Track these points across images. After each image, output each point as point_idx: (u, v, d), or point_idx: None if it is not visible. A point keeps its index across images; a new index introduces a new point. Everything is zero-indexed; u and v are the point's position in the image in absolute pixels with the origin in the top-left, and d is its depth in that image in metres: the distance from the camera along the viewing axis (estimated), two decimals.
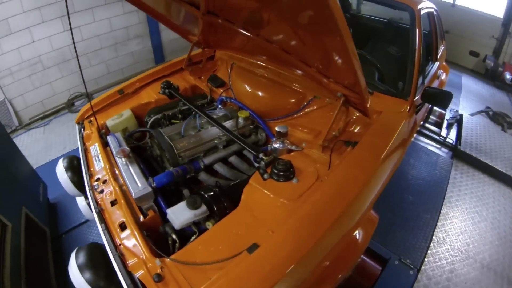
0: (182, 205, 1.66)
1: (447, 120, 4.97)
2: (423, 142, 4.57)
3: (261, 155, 1.84)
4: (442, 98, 2.42)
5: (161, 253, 1.45)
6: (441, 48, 4.25)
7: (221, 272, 1.30)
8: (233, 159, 2.21)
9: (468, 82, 7.06)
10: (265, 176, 1.73)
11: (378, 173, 1.85)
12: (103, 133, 2.40)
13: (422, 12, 2.87)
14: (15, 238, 2.34)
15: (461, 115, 5.04)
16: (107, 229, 1.64)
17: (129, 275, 1.41)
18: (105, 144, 2.27)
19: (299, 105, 2.47)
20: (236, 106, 2.71)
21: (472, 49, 7.78)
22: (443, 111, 5.16)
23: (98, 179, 1.94)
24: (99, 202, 1.80)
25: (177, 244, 1.61)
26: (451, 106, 5.36)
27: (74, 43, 1.79)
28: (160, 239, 1.64)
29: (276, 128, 2.10)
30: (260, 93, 2.63)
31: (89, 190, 1.88)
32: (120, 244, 1.56)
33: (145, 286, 1.34)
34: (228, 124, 2.36)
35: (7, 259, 2.11)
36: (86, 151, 2.22)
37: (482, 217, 3.42)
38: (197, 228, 1.67)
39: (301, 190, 1.67)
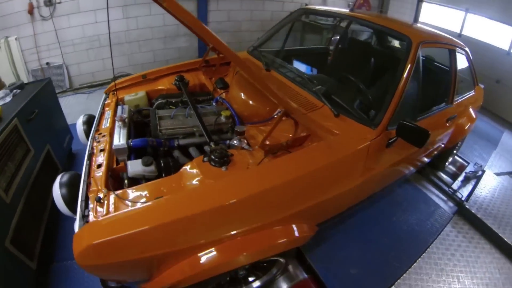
0: (138, 161, 2.01)
1: (465, 173, 4.44)
2: (429, 189, 4.11)
3: (212, 143, 2.09)
4: (417, 135, 2.16)
5: (110, 188, 1.85)
6: (470, 93, 3.99)
7: (134, 209, 1.65)
8: (207, 147, 2.36)
9: (509, 141, 6.23)
10: (205, 159, 1.95)
11: (298, 181, 1.88)
12: (119, 104, 2.82)
13: (424, 46, 2.65)
14: (33, 162, 2.85)
15: (483, 172, 4.45)
16: (89, 166, 2.04)
17: (86, 196, 1.79)
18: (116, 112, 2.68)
19: (271, 114, 2.62)
20: (226, 106, 2.93)
21: None
22: (465, 163, 4.71)
23: (100, 133, 2.35)
24: (94, 147, 2.21)
25: (125, 187, 1.95)
26: (477, 160, 4.90)
27: (109, 33, 2.11)
28: (119, 182, 2.04)
29: (235, 128, 2.40)
30: (245, 98, 2.77)
31: (91, 138, 2.32)
32: (92, 176, 1.93)
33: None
34: (210, 118, 2.57)
35: (20, 174, 2.55)
36: (102, 114, 2.67)
37: (462, 284, 2.92)
38: (145, 181, 2.00)
39: (224, 175, 1.86)
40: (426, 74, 3.24)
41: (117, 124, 2.38)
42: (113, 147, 2.14)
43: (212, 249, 1.70)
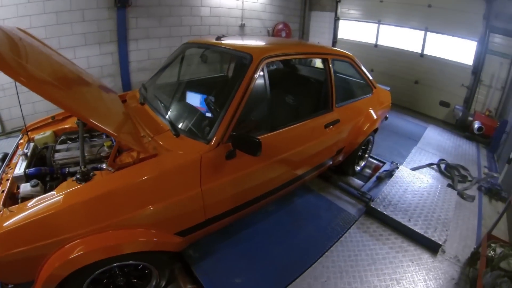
0: (28, 184, 2.10)
1: (379, 173, 4.20)
2: (336, 196, 3.79)
3: (82, 167, 2.12)
4: (249, 145, 2.15)
5: (6, 204, 1.94)
6: (365, 96, 4.02)
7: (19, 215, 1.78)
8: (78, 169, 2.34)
9: (432, 134, 6.10)
10: (73, 178, 2.04)
11: (125, 189, 1.97)
12: (28, 142, 2.80)
13: (269, 61, 2.66)
14: None
15: (395, 169, 4.22)
16: None
17: None
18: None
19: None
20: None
21: (443, 99, 6.95)
22: (380, 164, 4.49)
23: (9, 167, 2.42)
24: (2, 178, 2.29)
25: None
26: (395, 158, 4.72)
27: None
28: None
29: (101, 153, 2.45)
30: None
31: (1, 171, 2.39)
32: None
33: None
34: (95, 149, 2.53)
35: None
36: (15, 152, 2.72)
37: (367, 283, 2.60)
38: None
39: (82, 188, 1.96)
40: (304, 86, 3.53)
41: (21, 158, 2.46)
42: (13, 175, 2.23)
43: (76, 241, 1.83)
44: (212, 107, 2.54)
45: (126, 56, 6.55)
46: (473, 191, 4.20)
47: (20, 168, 2.31)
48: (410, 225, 3.16)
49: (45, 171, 2.29)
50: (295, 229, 3.14)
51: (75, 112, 1.91)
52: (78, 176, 2.01)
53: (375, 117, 3.97)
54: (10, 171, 2.36)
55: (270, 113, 2.64)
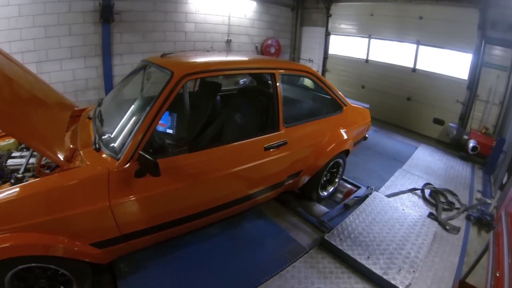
0: None
1: (350, 199, 3.50)
2: (290, 223, 3.17)
3: (19, 174, 2.08)
4: (148, 165, 2.00)
5: None
6: (331, 115, 3.47)
7: None
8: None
9: (422, 155, 5.30)
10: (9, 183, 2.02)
11: (32, 196, 1.90)
12: None
13: (191, 78, 2.40)
14: None
15: (368, 195, 3.54)
16: None
17: None
18: None
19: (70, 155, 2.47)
20: None
21: (436, 117, 6.15)
22: (354, 188, 3.78)
23: None
24: None
25: None
26: (374, 182, 4.03)
27: None
28: None
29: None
30: None
31: None
32: None
33: None
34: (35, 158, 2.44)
35: None
36: None
37: None
38: None
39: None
40: (255, 104, 3.01)
41: None
42: None
43: None
44: (130, 124, 2.29)
45: (110, 70, 6.37)
46: (460, 221, 3.44)
47: None
48: (368, 263, 2.51)
49: None
50: (233, 255, 2.65)
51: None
52: (12, 181, 2.02)
53: (344, 137, 3.35)
54: None
55: (190, 133, 2.43)
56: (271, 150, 2.69)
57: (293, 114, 3.08)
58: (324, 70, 8.19)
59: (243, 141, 2.58)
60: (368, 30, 6.97)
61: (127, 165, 2.06)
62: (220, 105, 3.34)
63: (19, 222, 1.85)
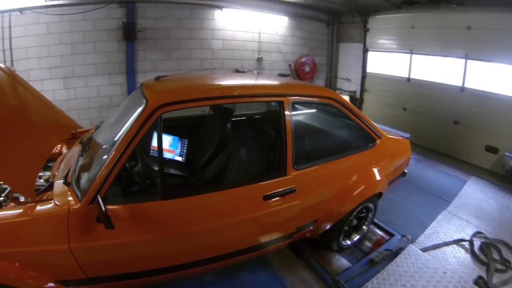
0: None
1: (377, 252, 2.86)
2: (301, 279, 2.63)
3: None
4: (100, 214, 1.72)
5: None
6: (360, 151, 2.86)
7: None
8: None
9: (472, 191, 4.38)
10: None
11: None
12: None
13: (167, 109, 2.01)
14: None
15: (401, 248, 2.88)
16: None
17: None
18: None
19: None
20: None
21: (489, 144, 5.20)
22: (386, 237, 3.12)
23: None
24: None
25: None
26: (411, 228, 3.36)
27: None
28: None
29: None
30: None
31: None
32: None
33: None
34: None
35: None
36: None
37: None
38: None
39: None
40: (255, 137, 2.64)
41: None
42: None
43: None
44: (101, 159, 1.99)
45: (134, 88, 6.33)
46: None
47: None
48: None
49: None
50: None
51: None
52: None
53: (377, 177, 2.74)
54: None
55: (162, 177, 2.01)
56: (272, 200, 2.17)
57: (309, 151, 2.59)
58: (362, 90, 7.47)
59: (234, 188, 2.13)
60: (409, 45, 6.21)
61: (88, 207, 1.81)
62: (230, 134, 2.85)
63: None
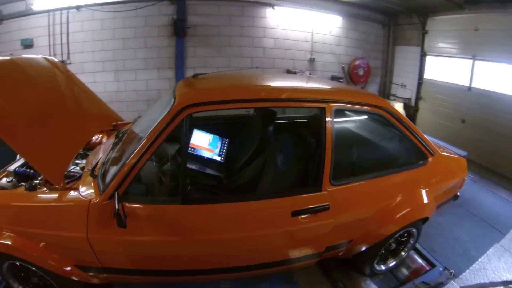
0: (5, 179, 2.21)
1: (413, 283, 2.58)
2: None
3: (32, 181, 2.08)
4: (114, 212, 1.70)
5: None
6: (398, 171, 2.49)
7: None
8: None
9: None
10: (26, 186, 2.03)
11: (11, 207, 1.97)
12: None
13: (195, 110, 1.94)
14: None
15: (440, 284, 2.56)
16: None
17: None
18: None
19: None
20: None
21: None
22: (427, 267, 2.79)
23: None
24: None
25: None
26: (455, 261, 2.98)
27: None
28: None
29: None
30: None
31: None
32: None
33: None
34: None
35: None
36: None
37: None
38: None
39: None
40: (293, 145, 2.40)
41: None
42: (7, 169, 2.30)
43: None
44: (126, 155, 2.00)
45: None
46: None
47: (15, 165, 2.37)
48: None
49: (28, 173, 2.28)
50: None
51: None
52: (27, 185, 2.03)
53: (424, 200, 2.42)
54: None
55: (183, 181, 1.92)
56: (302, 216, 2.00)
57: (350, 165, 2.35)
58: (417, 98, 6.90)
59: (259, 200, 2.03)
60: (472, 49, 5.55)
61: (107, 201, 1.83)
62: (270, 138, 2.69)
63: (11, 226, 1.91)
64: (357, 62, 7.21)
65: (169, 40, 6.15)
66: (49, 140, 2.10)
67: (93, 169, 2.12)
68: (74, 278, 2.01)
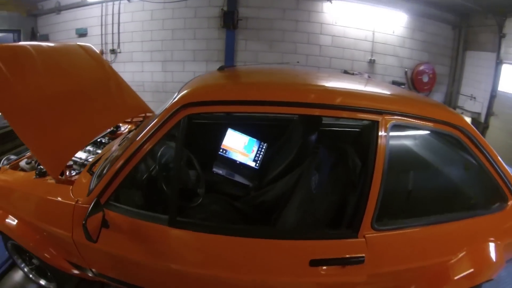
0: (25, 161, 2.17)
1: None
2: None
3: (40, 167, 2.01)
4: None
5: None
6: (472, 215, 1.77)
7: None
8: None
9: None
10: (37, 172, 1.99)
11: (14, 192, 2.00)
12: None
13: (194, 111, 1.61)
14: None
15: None
16: None
17: None
18: None
19: None
20: None
21: None
22: None
23: None
24: None
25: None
26: None
27: None
28: None
29: None
30: None
31: None
32: None
33: None
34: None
35: None
36: None
37: None
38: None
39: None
40: (336, 168, 1.85)
41: None
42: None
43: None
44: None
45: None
46: None
47: None
48: None
49: None
50: None
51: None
52: (37, 171, 1.99)
53: (494, 258, 1.73)
54: None
55: (172, 198, 1.63)
56: (324, 268, 1.52)
57: (402, 202, 1.78)
58: (488, 114, 6.05)
59: (271, 240, 1.55)
60: None
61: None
62: (310, 150, 2.16)
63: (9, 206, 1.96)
64: (421, 67, 6.51)
65: (219, 32, 5.98)
66: (58, 128, 1.98)
67: (93, 165, 1.98)
68: (68, 272, 1.97)
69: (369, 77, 2.57)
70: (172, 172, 1.77)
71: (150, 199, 1.91)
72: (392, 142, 1.53)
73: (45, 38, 6.61)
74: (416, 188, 1.84)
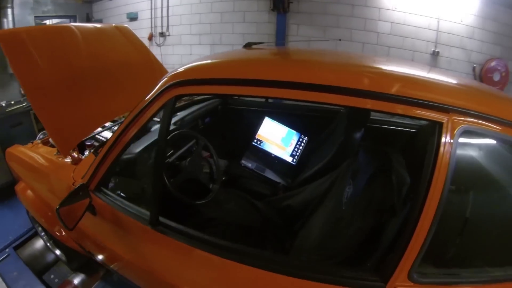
0: None
1: None
2: None
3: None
4: None
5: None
6: None
7: None
8: None
9: None
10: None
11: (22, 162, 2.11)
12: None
13: (181, 92, 1.37)
14: None
15: None
16: None
17: None
18: None
19: None
20: None
21: None
22: None
23: None
24: None
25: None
26: None
27: None
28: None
29: None
30: None
31: None
32: None
33: None
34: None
35: None
36: None
37: None
38: None
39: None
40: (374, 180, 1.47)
41: None
42: None
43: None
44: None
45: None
46: None
47: None
48: None
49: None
50: None
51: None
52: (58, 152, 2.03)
53: None
54: None
55: (155, 194, 1.41)
56: None
57: (463, 243, 1.19)
58: None
59: (265, 271, 1.14)
60: None
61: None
62: (353, 149, 1.73)
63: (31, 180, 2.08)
64: (493, 64, 5.71)
65: (269, 16, 5.69)
66: (76, 107, 1.89)
67: (101, 146, 1.92)
68: (76, 250, 2.01)
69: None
70: (154, 166, 1.49)
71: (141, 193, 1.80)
72: (460, 152, 1.02)
73: (99, 22, 6.89)
74: (482, 223, 1.23)
